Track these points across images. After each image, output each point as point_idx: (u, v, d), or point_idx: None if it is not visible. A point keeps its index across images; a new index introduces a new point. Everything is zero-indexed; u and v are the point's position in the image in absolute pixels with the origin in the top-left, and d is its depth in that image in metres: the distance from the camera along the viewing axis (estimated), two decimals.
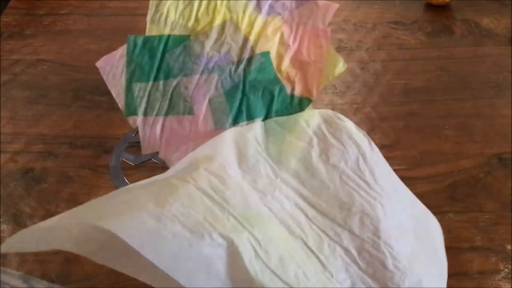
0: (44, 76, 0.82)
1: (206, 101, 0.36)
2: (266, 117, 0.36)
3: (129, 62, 0.37)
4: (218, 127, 0.35)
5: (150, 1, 0.40)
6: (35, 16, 0.94)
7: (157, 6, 0.38)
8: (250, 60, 0.35)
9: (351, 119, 0.75)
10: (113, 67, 0.40)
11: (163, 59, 0.35)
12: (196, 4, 0.36)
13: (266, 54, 0.35)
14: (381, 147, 0.73)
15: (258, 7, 0.37)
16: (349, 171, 0.40)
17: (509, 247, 0.59)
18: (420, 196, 0.66)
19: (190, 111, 0.36)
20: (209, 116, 0.36)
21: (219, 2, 0.35)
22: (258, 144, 0.35)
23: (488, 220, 0.62)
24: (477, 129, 0.73)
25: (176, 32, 0.36)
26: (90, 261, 0.60)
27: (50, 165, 0.69)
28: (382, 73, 0.83)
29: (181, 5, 0.36)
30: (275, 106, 0.36)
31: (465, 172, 0.67)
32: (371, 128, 0.73)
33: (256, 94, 0.36)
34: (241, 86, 0.35)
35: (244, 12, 0.36)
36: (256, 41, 0.36)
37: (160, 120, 0.37)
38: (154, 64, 0.36)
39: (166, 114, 0.37)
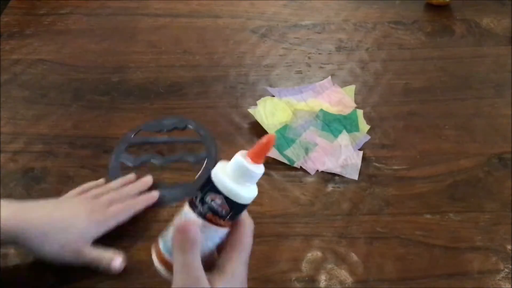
0: (44, 76, 0.82)
1: (318, 137, 0.71)
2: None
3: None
4: (332, 143, 0.71)
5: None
6: (35, 16, 0.94)
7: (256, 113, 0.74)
8: (318, 115, 0.74)
9: None
10: None
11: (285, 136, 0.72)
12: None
13: (321, 110, 0.74)
14: (381, 147, 0.73)
15: (302, 99, 0.77)
16: None
17: (509, 247, 0.59)
18: (420, 196, 0.66)
19: (315, 145, 0.70)
20: (324, 141, 0.71)
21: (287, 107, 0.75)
22: None
23: (488, 220, 0.62)
24: (477, 129, 0.73)
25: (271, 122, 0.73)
26: None
27: (50, 165, 0.69)
28: (382, 73, 0.83)
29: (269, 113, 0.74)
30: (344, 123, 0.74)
31: (465, 172, 0.67)
32: (371, 128, 0.73)
33: (335, 123, 0.73)
34: (325, 125, 0.73)
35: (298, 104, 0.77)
36: (313, 108, 0.76)
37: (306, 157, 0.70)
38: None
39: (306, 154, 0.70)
